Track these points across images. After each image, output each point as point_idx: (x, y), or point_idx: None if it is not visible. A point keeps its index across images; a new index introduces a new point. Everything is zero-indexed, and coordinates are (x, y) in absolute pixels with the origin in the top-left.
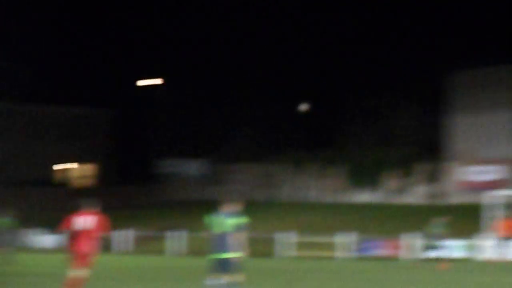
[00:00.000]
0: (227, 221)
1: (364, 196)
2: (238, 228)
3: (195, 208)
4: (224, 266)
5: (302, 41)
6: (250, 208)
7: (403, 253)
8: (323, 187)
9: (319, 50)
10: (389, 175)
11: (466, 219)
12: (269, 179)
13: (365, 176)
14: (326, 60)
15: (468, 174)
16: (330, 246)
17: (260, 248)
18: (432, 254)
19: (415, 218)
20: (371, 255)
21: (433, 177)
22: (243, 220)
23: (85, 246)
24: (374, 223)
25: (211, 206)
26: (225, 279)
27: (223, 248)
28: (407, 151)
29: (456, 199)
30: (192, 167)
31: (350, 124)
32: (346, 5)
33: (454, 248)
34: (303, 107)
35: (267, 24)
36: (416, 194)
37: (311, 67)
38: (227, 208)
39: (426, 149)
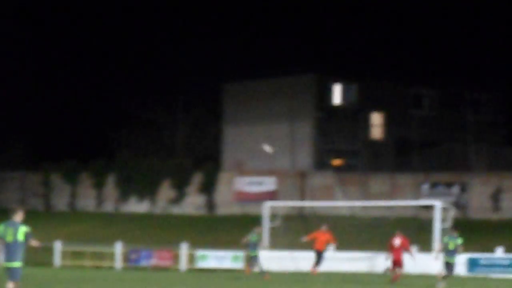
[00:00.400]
0: (19, 229)
1: (141, 206)
2: (28, 236)
3: None
4: (12, 275)
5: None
6: (28, 217)
7: (179, 263)
8: (101, 197)
9: (87, 56)
10: (165, 185)
11: (241, 230)
12: (46, 188)
13: (142, 186)
14: (98, 67)
15: (241, 185)
16: (106, 256)
17: (39, 257)
18: (252, 262)
19: (191, 228)
20: (146, 265)
21: (208, 188)
22: (28, 228)
23: None
24: (151, 233)
25: None
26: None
27: (15, 256)
28: (183, 161)
29: (230, 209)
30: None
31: (125, 134)
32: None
33: (223, 259)
34: (267, 148)
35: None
36: (192, 205)
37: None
38: (18, 217)
39: (201, 159)
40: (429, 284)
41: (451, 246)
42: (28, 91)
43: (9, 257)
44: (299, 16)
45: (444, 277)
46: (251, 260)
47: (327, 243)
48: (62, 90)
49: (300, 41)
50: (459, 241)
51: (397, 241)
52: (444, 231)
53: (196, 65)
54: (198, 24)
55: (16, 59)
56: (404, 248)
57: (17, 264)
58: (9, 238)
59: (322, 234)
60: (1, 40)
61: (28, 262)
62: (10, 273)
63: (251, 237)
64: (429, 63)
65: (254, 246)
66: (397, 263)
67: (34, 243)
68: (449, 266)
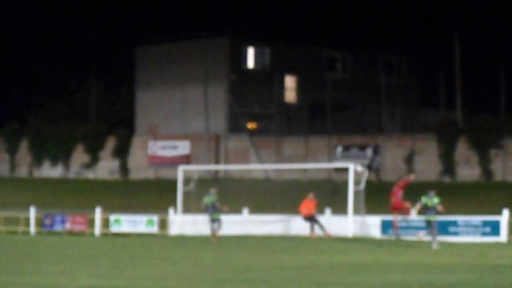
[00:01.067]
0: None
1: (55, 171)
2: None
3: None
4: None
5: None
6: None
7: (94, 228)
8: (15, 162)
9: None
10: (79, 150)
11: (155, 194)
12: None
13: (55, 151)
14: (12, 30)
15: (155, 149)
16: (20, 221)
17: None
18: (215, 226)
19: (105, 193)
20: (60, 230)
21: (122, 152)
22: None
23: None
24: (65, 198)
25: None
26: None
27: None
28: (97, 126)
29: (144, 174)
30: None
31: (38, 98)
32: None
33: (140, 223)
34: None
35: None
36: (106, 169)
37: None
38: None
39: (115, 124)
40: (344, 246)
41: (429, 204)
42: None
43: None
44: None
45: (433, 236)
46: (214, 223)
47: (314, 208)
48: None
49: (213, 4)
50: (436, 200)
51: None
52: (357, 194)
53: (108, 28)
54: None
55: None
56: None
57: None
58: None
59: (309, 202)
60: None
61: None
62: None
63: (208, 199)
64: (342, 25)
65: (214, 208)
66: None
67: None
68: (430, 223)
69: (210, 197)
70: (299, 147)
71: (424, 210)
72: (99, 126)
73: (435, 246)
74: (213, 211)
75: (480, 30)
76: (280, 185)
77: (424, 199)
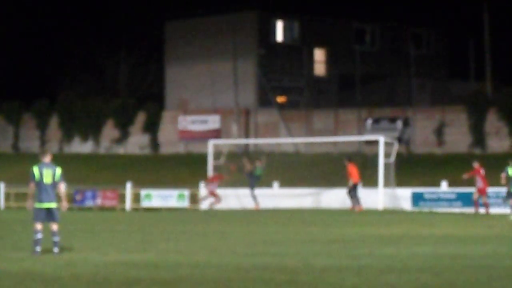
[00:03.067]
0: (56, 171)
1: (85, 147)
2: (62, 177)
3: None
4: (53, 216)
5: None
6: None
7: (124, 203)
8: (45, 138)
9: None
10: (109, 125)
11: (185, 169)
12: None
13: (85, 126)
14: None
15: (185, 123)
16: None
17: None
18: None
19: (136, 168)
20: (91, 205)
21: (152, 127)
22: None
23: None
24: (95, 173)
25: None
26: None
27: (53, 197)
28: (127, 101)
29: (174, 148)
30: None
31: (68, 74)
32: None
33: (171, 198)
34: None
35: None
36: (136, 144)
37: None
38: (49, 158)
39: (145, 99)
40: (375, 219)
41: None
42: None
43: (48, 198)
44: None
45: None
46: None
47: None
48: (4, 31)
49: None
50: None
51: None
52: (387, 166)
53: (138, 3)
54: None
55: None
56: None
57: (55, 204)
58: (48, 180)
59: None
60: None
61: None
62: (50, 214)
63: (259, 171)
64: None
65: (258, 179)
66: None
67: (62, 186)
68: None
69: (259, 169)
70: (329, 120)
71: (507, 180)
72: (129, 101)
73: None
74: (257, 181)
75: None
76: (310, 158)
77: (510, 171)
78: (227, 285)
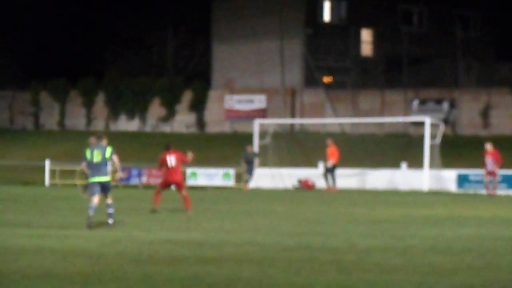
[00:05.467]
0: (107, 150)
1: (132, 124)
2: (113, 153)
3: None
4: (105, 188)
5: None
6: (17, 136)
7: None
8: (91, 115)
9: None
10: (155, 104)
11: (231, 148)
12: (35, 107)
13: (132, 104)
14: None
15: (231, 103)
16: None
17: (28, 176)
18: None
19: (181, 146)
20: (137, 183)
21: (198, 106)
22: (112, 148)
23: None
24: (141, 151)
25: None
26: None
27: (105, 171)
28: (173, 79)
29: (221, 127)
30: None
31: (115, 52)
32: None
33: (216, 177)
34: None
35: None
36: (182, 123)
37: None
38: (104, 142)
39: (191, 78)
40: (420, 200)
41: None
42: (16, 11)
43: (99, 173)
44: None
45: None
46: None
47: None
48: (51, 8)
49: None
50: None
51: None
52: (433, 148)
53: None
54: None
55: None
56: None
57: (108, 178)
58: (98, 159)
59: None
60: None
61: (17, 181)
62: (104, 187)
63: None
64: None
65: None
66: None
67: (115, 158)
68: None
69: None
70: (375, 101)
71: None
72: (176, 80)
73: None
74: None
75: None
76: (356, 139)
77: None
78: (271, 264)
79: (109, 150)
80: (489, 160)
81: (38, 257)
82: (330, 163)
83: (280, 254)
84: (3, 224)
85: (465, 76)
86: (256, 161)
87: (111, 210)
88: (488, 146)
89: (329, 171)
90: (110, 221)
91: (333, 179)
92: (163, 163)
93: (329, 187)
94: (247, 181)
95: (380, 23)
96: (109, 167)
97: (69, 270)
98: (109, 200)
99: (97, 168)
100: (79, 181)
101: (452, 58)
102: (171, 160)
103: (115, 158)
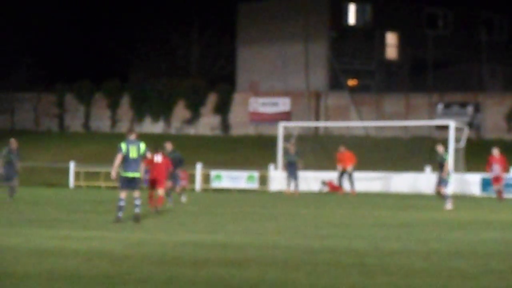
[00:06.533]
0: (141, 146)
1: (156, 127)
2: (146, 151)
3: None
4: (136, 184)
5: None
6: (42, 138)
7: (194, 183)
8: (116, 117)
9: None
10: (180, 106)
11: (255, 150)
12: (60, 109)
13: (156, 107)
14: None
15: (256, 105)
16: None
17: (53, 178)
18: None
19: (206, 149)
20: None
21: (222, 108)
22: (145, 145)
23: None
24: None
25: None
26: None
27: (137, 168)
28: (198, 82)
29: (245, 130)
30: None
31: (139, 54)
32: None
33: (241, 179)
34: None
35: None
36: (207, 125)
37: None
38: (134, 136)
39: (216, 80)
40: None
41: None
42: (41, 12)
43: (132, 168)
44: None
45: None
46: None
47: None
48: (76, 10)
49: None
50: None
51: None
52: (457, 151)
53: None
54: None
55: None
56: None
57: (138, 174)
58: (133, 154)
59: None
60: None
61: (42, 183)
62: (133, 182)
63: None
64: None
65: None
66: None
67: (148, 155)
68: None
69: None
70: (400, 104)
71: None
72: (200, 82)
73: None
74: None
75: None
76: (380, 142)
77: None
78: (294, 267)
79: (143, 147)
80: (496, 166)
81: (62, 259)
82: (350, 167)
83: (303, 257)
84: (27, 226)
85: (490, 80)
86: (300, 163)
87: (138, 202)
88: (495, 151)
89: (348, 175)
90: (137, 209)
91: (351, 182)
92: (150, 162)
93: (352, 190)
94: (288, 185)
95: (405, 26)
96: (141, 164)
97: (93, 272)
98: (137, 194)
99: (131, 163)
100: (102, 183)
101: (477, 62)
102: (158, 157)
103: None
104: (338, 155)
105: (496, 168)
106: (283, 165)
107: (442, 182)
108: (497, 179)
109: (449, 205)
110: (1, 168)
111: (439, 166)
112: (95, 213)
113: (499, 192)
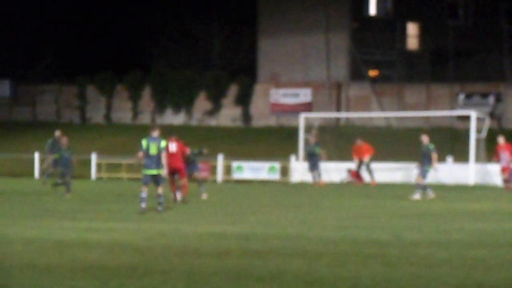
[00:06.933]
0: (161, 143)
1: (178, 118)
2: (163, 148)
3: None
4: (159, 180)
5: None
6: (63, 129)
7: (216, 175)
8: (137, 109)
9: None
10: (201, 97)
11: (276, 142)
12: (82, 101)
13: (178, 98)
14: None
15: (277, 96)
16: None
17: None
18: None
19: (227, 140)
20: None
21: (244, 100)
22: (165, 142)
23: None
24: (187, 145)
25: (20, 127)
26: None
27: (159, 165)
28: (219, 73)
29: (266, 121)
30: None
31: (161, 46)
32: None
33: (262, 170)
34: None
35: None
36: (228, 116)
37: None
38: (157, 133)
39: (237, 72)
40: (466, 194)
41: None
42: (63, 5)
43: (153, 166)
44: None
45: None
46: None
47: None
48: (99, 2)
49: None
50: None
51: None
52: (478, 142)
53: None
54: None
55: None
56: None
57: (160, 171)
58: (154, 151)
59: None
60: None
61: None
62: (155, 179)
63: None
64: None
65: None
66: None
67: (164, 155)
68: None
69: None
70: (421, 94)
71: None
72: (222, 73)
73: None
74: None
75: None
76: (402, 133)
77: None
78: (317, 257)
79: (163, 143)
80: (504, 155)
81: (84, 250)
82: (367, 158)
83: (325, 248)
84: (49, 217)
85: (511, 70)
86: (322, 154)
87: (161, 200)
88: (501, 140)
89: (366, 165)
90: (160, 208)
91: (370, 172)
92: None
93: (372, 181)
94: (314, 177)
95: (426, 16)
96: (163, 159)
97: (115, 263)
98: (160, 190)
99: (152, 160)
100: (124, 174)
101: (498, 52)
102: (172, 146)
103: (164, 155)
104: (355, 147)
105: (505, 158)
106: (303, 156)
107: (422, 172)
108: (505, 169)
109: (417, 195)
110: (49, 162)
111: (423, 156)
112: (116, 204)
113: (507, 181)
